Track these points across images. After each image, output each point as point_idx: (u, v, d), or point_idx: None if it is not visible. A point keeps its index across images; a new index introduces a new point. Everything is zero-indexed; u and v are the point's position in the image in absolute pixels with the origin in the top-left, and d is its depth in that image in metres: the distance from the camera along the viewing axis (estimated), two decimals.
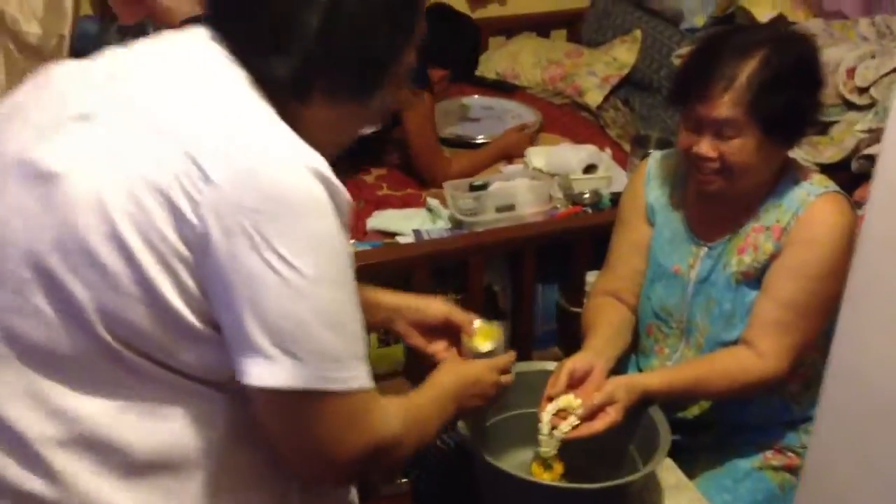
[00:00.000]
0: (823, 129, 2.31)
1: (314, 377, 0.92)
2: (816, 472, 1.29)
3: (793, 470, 1.61)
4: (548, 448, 1.40)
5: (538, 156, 2.45)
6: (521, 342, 2.07)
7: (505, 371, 1.32)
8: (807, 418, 1.62)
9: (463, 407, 1.24)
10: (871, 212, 1.12)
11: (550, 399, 1.41)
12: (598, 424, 1.39)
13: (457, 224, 2.09)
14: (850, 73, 2.29)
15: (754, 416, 1.63)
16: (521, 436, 1.47)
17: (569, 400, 1.41)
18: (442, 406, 1.18)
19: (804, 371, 1.57)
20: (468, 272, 1.92)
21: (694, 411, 1.65)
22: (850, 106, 2.27)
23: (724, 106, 1.41)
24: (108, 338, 0.93)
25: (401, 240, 2.02)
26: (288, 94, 0.97)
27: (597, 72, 2.97)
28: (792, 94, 1.43)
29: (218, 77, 0.96)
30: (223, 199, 0.88)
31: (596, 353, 1.51)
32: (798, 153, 2.30)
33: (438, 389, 1.20)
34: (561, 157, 2.42)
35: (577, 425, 1.39)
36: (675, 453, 1.61)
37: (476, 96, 2.97)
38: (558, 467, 1.40)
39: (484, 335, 1.35)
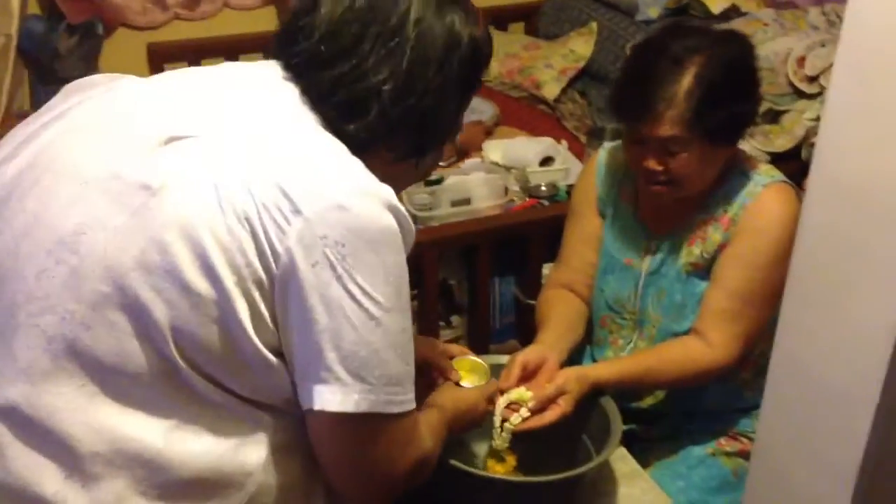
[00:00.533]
0: (775, 117, 2.33)
1: (382, 401, 0.97)
2: (763, 457, 1.31)
3: (746, 455, 1.62)
4: (500, 441, 1.40)
5: (495, 149, 2.45)
6: (479, 336, 2.07)
7: (492, 400, 1.37)
8: (759, 405, 1.63)
9: (454, 431, 1.26)
10: (809, 203, 1.14)
11: (502, 392, 1.42)
12: (548, 416, 1.40)
13: (412, 219, 2.08)
14: (801, 61, 2.32)
15: (708, 404, 1.64)
16: (476, 429, 1.48)
17: (520, 393, 1.42)
18: (445, 427, 1.21)
19: (755, 359, 1.59)
20: (422, 268, 1.92)
21: (649, 401, 1.66)
22: (801, 94, 2.30)
23: (666, 125, 1.42)
24: (177, 356, 0.94)
25: None
26: (352, 146, 1.00)
27: (554, 64, 2.98)
28: (729, 104, 1.44)
29: (296, 116, 1.01)
30: (311, 232, 0.92)
31: (548, 345, 1.52)
32: (751, 142, 2.32)
33: (441, 412, 1.22)
34: (517, 150, 2.42)
35: (528, 417, 1.40)
36: (631, 443, 1.63)
37: None
38: (511, 460, 1.41)
39: (469, 370, 1.40)
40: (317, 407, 0.96)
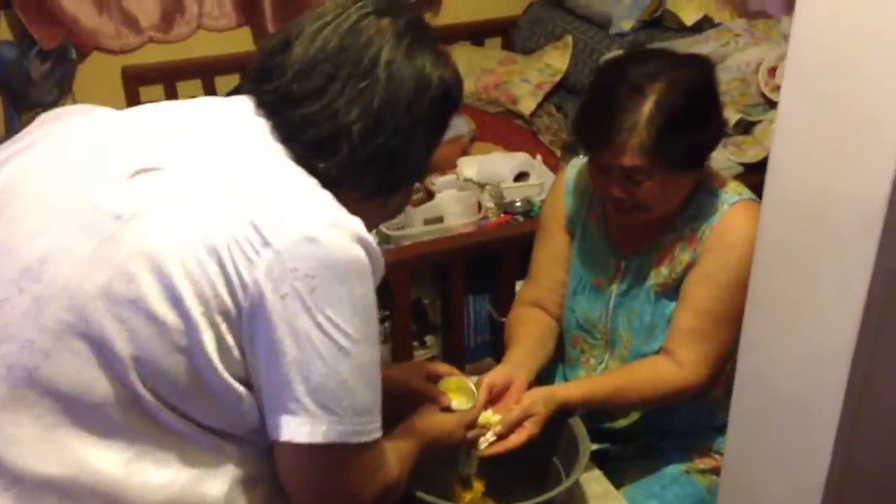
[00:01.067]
0: (747, 128, 2.33)
1: (349, 431, 0.98)
2: (732, 473, 1.31)
3: (720, 472, 1.61)
4: (466, 467, 1.38)
5: (469, 166, 2.44)
6: (453, 355, 2.05)
7: (472, 426, 1.36)
8: None
9: (428, 455, 1.25)
10: (765, 220, 1.13)
11: None
12: (515, 439, 1.38)
13: (384, 239, 2.07)
14: (772, 72, 2.32)
15: (681, 423, 1.63)
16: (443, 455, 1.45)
17: (487, 416, 1.40)
18: (418, 453, 1.21)
19: (727, 377, 1.56)
20: (394, 287, 1.90)
21: (622, 421, 1.64)
22: (772, 105, 2.30)
23: (628, 155, 1.40)
24: (139, 385, 0.96)
25: None
26: (321, 182, 1.02)
27: (530, 79, 2.97)
28: (692, 131, 1.42)
29: (267, 150, 1.02)
30: (280, 264, 0.93)
31: (515, 366, 1.50)
32: (724, 153, 2.32)
33: (417, 439, 1.23)
34: (492, 165, 2.41)
35: (495, 442, 1.38)
36: (605, 463, 1.62)
37: None
38: (479, 486, 1.40)
39: (456, 390, 1.39)
40: (284, 438, 0.97)
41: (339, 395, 0.96)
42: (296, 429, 0.96)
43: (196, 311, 0.93)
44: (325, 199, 1.00)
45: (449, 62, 1.09)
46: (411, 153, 1.06)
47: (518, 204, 2.28)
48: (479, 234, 2.08)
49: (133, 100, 2.89)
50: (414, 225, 2.09)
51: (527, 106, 2.90)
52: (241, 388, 0.98)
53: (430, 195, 1.24)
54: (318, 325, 0.94)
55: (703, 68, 1.48)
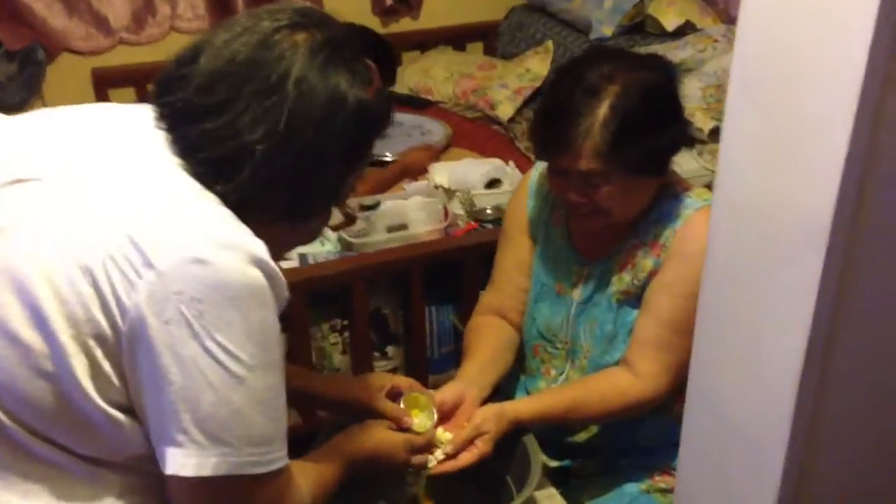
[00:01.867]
0: None
1: (244, 463, 0.92)
2: (684, 498, 1.24)
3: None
4: (415, 487, 1.33)
5: (441, 172, 2.39)
6: (416, 366, 2.00)
7: (420, 450, 1.31)
8: None
9: (362, 473, 1.21)
10: (713, 231, 1.07)
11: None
12: (465, 458, 1.33)
13: (346, 246, 2.02)
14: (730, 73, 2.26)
15: (643, 439, 1.57)
16: (393, 473, 1.40)
17: (437, 434, 1.35)
18: (342, 472, 1.17)
19: None
20: (352, 297, 1.85)
21: (583, 435, 1.59)
22: None
23: (583, 159, 1.35)
24: None
25: (285, 265, 1.94)
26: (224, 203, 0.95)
27: (509, 84, 2.93)
28: (649, 134, 1.36)
29: (161, 162, 0.95)
30: (164, 287, 0.86)
31: (468, 382, 1.45)
32: (699, 160, 2.27)
33: (343, 459, 1.17)
34: (463, 172, 2.36)
35: (444, 460, 1.33)
36: (564, 479, 1.57)
37: None
38: None
39: (415, 407, 1.35)
40: (170, 471, 0.91)
41: (231, 425, 0.90)
42: (182, 461, 0.90)
43: (64, 335, 0.87)
44: (220, 217, 0.93)
45: (373, 81, 1.01)
46: (322, 177, 0.98)
47: (489, 211, 2.23)
48: (439, 243, 2.02)
49: (104, 102, 2.84)
50: (376, 232, 2.03)
51: (505, 111, 2.85)
52: (119, 416, 0.92)
53: (350, 219, 1.16)
54: (207, 351, 0.88)
55: (663, 70, 1.42)
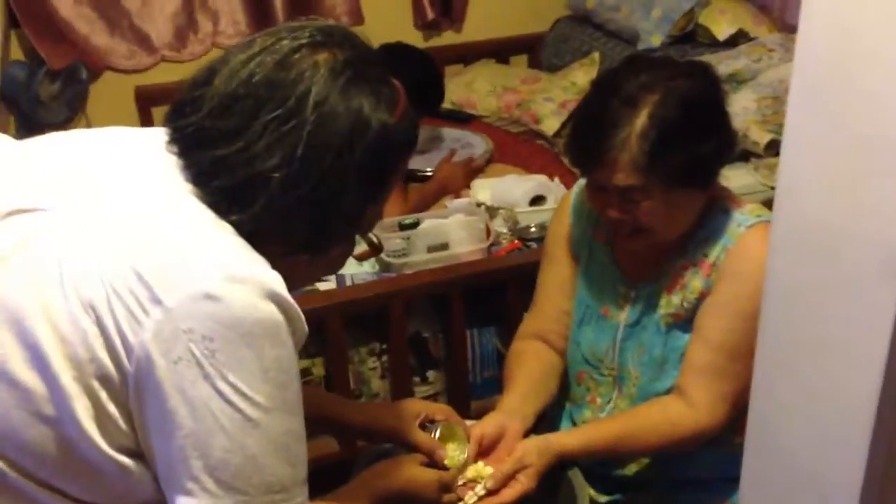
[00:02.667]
0: (780, 150, 2.17)
1: None
2: None
3: None
4: None
5: (483, 189, 2.32)
6: (457, 392, 1.92)
7: (449, 488, 1.24)
8: None
9: None
10: (773, 252, 0.99)
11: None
12: (508, 494, 1.27)
13: (385, 267, 1.96)
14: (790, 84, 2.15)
15: (699, 472, 1.47)
16: None
17: (478, 468, 1.29)
18: None
19: None
20: (389, 320, 1.78)
21: (633, 468, 1.50)
22: None
23: (621, 173, 1.27)
24: None
25: (322, 286, 1.89)
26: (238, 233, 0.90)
27: (554, 97, 2.85)
28: (691, 145, 1.28)
29: (172, 189, 0.90)
30: (172, 324, 0.81)
31: (509, 413, 1.38)
32: (754, 176, 2.16)
33: (375, 499, 1.13)
34: (506, 188, 2.28)
35: (485, 496, 1.26)
36: None
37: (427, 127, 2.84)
38: None
39: (450, 438, 1.29)
40: None
41: (246, 472, 0.84)
42: None
43: (66, 377, 0.82)
44: (234, 247, 0.87)
45: (398, 103, 0.95)
46: (342, 206, 0.92)
47: (533, 229, 2.15)
48: (481, 264, 1.94)
49: (146, 120, 2.85)
50: (416, 252, 1.96)
51: (550, 126, 2.77)
52: (127, 461, 0.86)
53: (376, 249, 1.08)
54: (220, 394, 0.82)
55: (704, 77, 1.34)
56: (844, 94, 0.83)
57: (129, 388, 0.83)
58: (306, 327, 0.90)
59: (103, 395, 0.83)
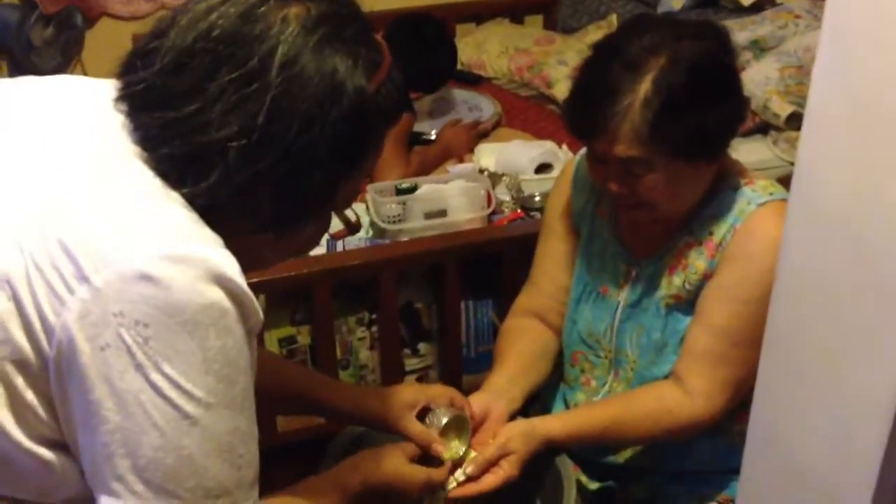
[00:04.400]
0: (802, 123, 2.05)
1: None
2: None
3: None
4: None
5: (487, 154, 2.23)
6: (449, 366, 1.85)
7: (438, 486, 1.17)
8: None
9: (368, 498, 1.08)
10: (787, 242, 0.90)
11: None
12: (489, 481, 1.20)
13: (379, 233, 1.87)
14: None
15: (696, 463, 1.39)
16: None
17: (459, 450, 1.21)
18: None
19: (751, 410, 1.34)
20: (381, 290, 1.70)
21: (626, 455, 1.42)
22: None
23: (622, 143, 1.17)
24: None
25: (313, 251, 1.80)
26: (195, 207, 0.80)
27: (568, 61, 2.73)
28: (695, 116, 1.18)
29: (116, 154, 0.80)
30: (100, 306, 0.72)
31: (495, 394, 1.31)
32: (773, 150, 2.06)
33: (349, 495, 1.05)
34: (511, 155, 2.18)
35: (464, 481, 1.20)
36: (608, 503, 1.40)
37: None
38: None
39: (457, 429, 1.22)
40: None
41: (181, 474, 0.76)
42: None
43: None
44: (180, 222, 0.77)
45: (381, 66, 0.84)
46: (311, 182, 0.82)
47: (537, 198, 2.05)
48: (479, 233, 1.85)
49: None
50: (413, 218, 1.87)
51: (561, 90, 2.65)
52: (48, 454, 0.78)
53: (353, 228, 0.97)
54: (153, 386, 0.73)
55: (715, 38, 1.23)
56: (875, 65, 0.74)
57: (50, 373, 0.75)
58: (261, 315, 0.81)
59: (19, 381, 0.75)
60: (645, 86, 1.16)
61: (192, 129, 0.77)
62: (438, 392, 1.25)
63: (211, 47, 0.78)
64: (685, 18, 1.36)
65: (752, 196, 1.28)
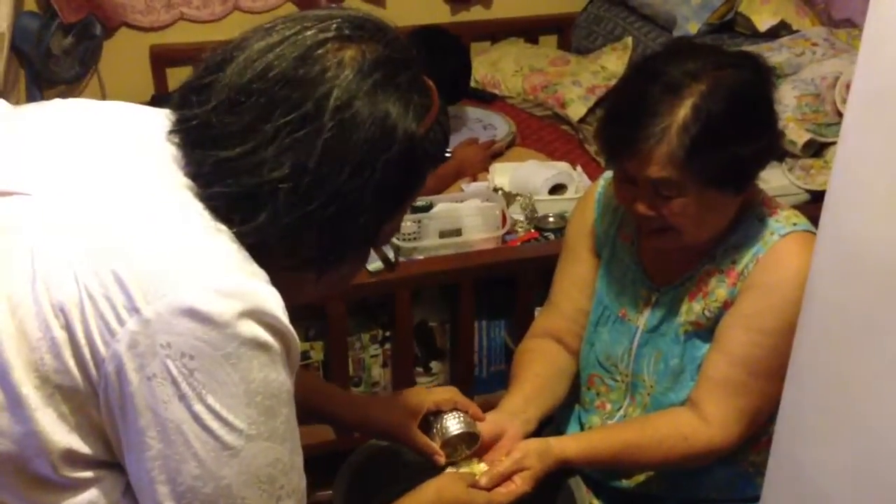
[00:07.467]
0: (818, 150, 2.06)
1: None
2: None
3: None
4: None
5: (502, 173, 2.23)
6: (461, 385, 1.84)
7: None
8: None
9: None
10: (815, 276, 0.89)
11: (453, 464, 1.23)
12: (500, 495, 1.19)
13: (394, 250, 1.87)
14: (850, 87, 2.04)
15: (709, 491, 1.39)
16: None
17: (471, 466, 1.22)
18: None
19: (768, 439, 1.33)
20: (394, 307, 1.70)
21: (639, 480, 1.41)
22: None
23: (655, 165, 1.17)
24: None
25: None
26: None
27: (582, 82, 2.74)
28: (731, 146, 1.18)
29: (168, 187, 0.81)
30: (149, 337, 0.74)
31: (510, 414, 1.31)
32: (788, 177, 2.06)
33: None
34: (526, 175, 2.19)
35: None
36: None
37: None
38: None
39: (467, 443, 1.23)
40: None
41: None
42: None
43: (27, 387, 0.75)
44: (228, 257, 0.78)
45: (430, 112, 0.85)
46: (355, 223, 0.82)
47: (551, 219, 2.05)
48: (493, 253, 1.85)
49: (161, 81, 2.76)
50: (428, 237, 1.87)
51: (576, 111, 2.66)
52: (90, 475, 0.80)
53: (390, 265, 0.98)
54: (196, 416, 0.74)
55: (756, 70, 1.23)
56: None
57: (100, 401, 0.76)
58: (299, 349, 0.82)
59: (65, 409, 0.76)
60: (684, 111, 1.16)
61: (244, 169, 0.78)
62: (442, 396, 1.25)
63: (267, 88, 0.78)
64: (725, 48, 1.36)
65: (776, 226, 1.28)
